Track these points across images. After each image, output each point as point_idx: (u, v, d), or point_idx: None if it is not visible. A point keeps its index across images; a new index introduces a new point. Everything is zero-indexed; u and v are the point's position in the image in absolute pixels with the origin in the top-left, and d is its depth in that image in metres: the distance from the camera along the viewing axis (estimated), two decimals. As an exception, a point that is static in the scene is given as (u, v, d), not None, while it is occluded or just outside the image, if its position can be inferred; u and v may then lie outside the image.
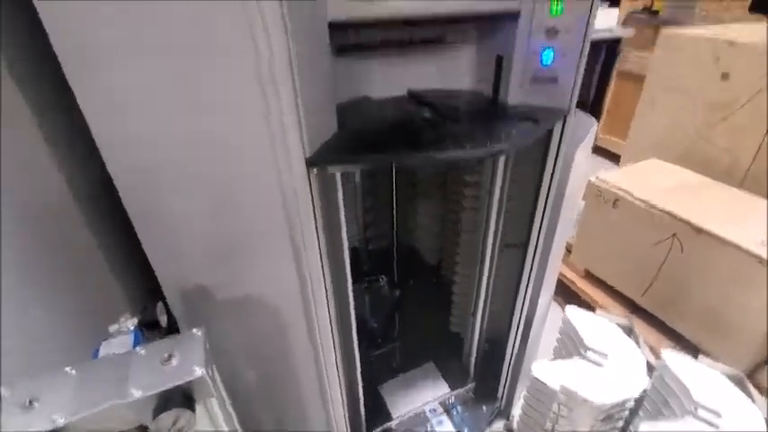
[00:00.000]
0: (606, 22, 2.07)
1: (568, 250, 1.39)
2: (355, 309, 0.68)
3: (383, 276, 1.22)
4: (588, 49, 0.58)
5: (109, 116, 0.44)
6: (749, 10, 2.70)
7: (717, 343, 1.07)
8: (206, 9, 0.40)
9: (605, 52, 2.25)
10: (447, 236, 1.20)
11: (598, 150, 2.39)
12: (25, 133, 0.52)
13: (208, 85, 0.44)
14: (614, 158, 2.34)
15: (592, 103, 2.39)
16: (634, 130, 1.57)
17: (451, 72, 0.70)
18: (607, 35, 2.06)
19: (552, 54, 0.56)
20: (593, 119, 0.74)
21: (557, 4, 0.53)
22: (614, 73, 2.30)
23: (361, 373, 0.79)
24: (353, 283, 0.64)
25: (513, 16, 0.56)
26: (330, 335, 0.66)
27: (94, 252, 0.60)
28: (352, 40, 0.57)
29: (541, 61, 0.57)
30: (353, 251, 1.26)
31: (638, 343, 0.95)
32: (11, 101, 0.49)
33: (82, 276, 0.61)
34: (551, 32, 0.55)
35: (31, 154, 0.53)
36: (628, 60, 2.21)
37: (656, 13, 2.07)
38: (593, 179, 1.24)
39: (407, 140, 0.52)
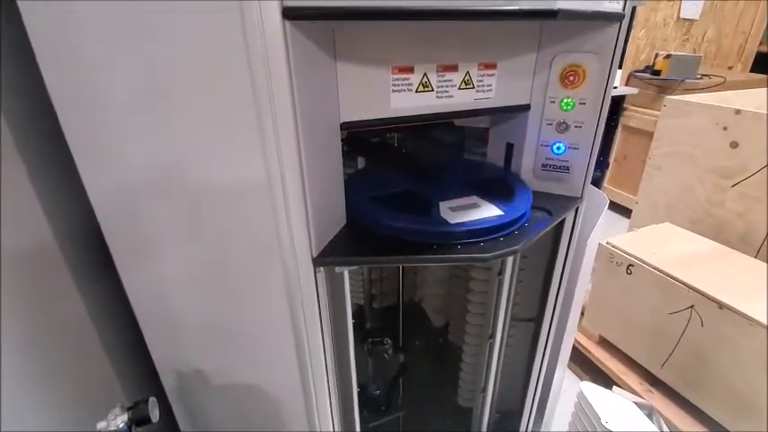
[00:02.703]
0: (610, 80, 2.13)
1: (581, 313, 1.34)
2: (357, 373, 0.64)
3: (387, 339, 1.17)
4: (600, 140, 0.57)
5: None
6: (750, 71, 2.78)
7: (746, 427, 0.99)
8: (218, 112, 0.40)
9: (610, 106, 2.30)
10: (455, 299, 1.16)
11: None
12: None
13: (215, 180, 0.43)
14: (622, 210, 2.32)
15: (599, 154, 2.41)
16: (643, 193, 1.56)
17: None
18: (611, 92, 2.11)
19: (564, 147, 0.56)
20: (606, 197, 0.73)
21: (567, 100, 0.54)
22: (620, 126, 2.34)
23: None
24: (356, 344, 0.60)
25: (523, 107, 0.57)
26: (330, 423, 0.62)
27: (90, 335, 0.58)
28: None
29: (552, 152, 0.57)
30: (357, 308, 1.23)
31: (660, 428, 0.89)
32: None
33: (78, 364, 0.58)
34: (562, 127, 0.55)
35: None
36: (632, 117, 2.25)
37: (659, 72, 2.12)
38: (604, 243, 1.21)
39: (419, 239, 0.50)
